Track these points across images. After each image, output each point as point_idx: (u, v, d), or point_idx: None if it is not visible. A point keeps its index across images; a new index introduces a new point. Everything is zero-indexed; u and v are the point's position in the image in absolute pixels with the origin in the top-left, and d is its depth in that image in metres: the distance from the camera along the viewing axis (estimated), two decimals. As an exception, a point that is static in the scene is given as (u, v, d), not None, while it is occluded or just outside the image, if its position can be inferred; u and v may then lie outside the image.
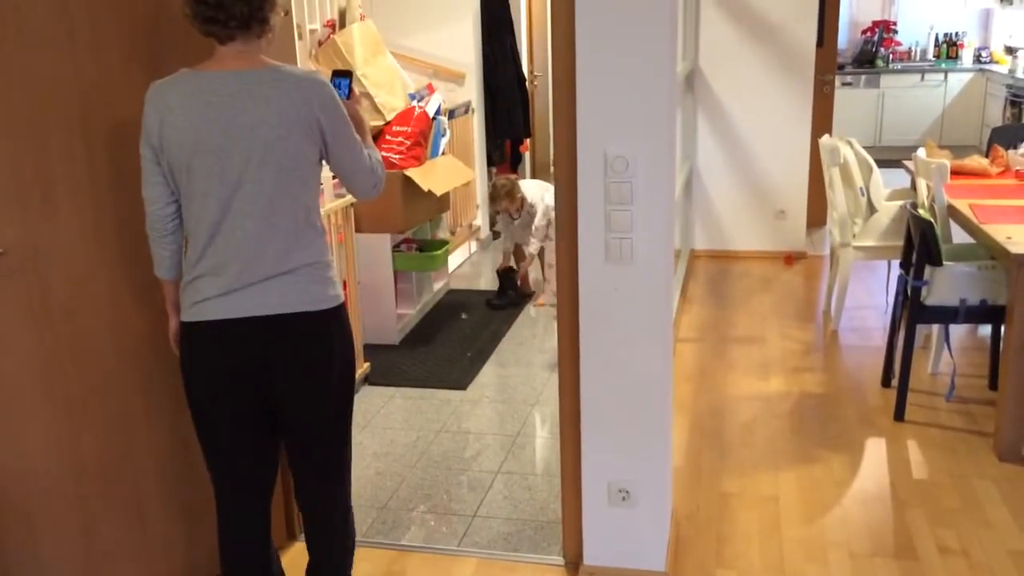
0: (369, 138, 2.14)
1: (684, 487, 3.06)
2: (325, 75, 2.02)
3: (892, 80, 8.88)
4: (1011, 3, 8.29)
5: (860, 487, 3.02)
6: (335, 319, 2.03)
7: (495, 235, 5.29)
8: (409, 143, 4.40)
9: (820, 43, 5.64)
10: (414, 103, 4.58)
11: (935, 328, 3.94)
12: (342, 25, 4.62)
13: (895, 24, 9.14)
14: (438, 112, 4.64)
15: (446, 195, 4.80)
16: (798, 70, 5.50)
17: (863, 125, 8.83)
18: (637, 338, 2.32)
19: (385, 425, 3.64)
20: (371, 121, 4.37)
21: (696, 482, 3.10)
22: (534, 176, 7.06)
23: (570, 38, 2.18)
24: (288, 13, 2.34)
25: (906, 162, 4.69)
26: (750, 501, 2.96)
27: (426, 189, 4.37)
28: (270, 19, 1.93)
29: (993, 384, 3.68)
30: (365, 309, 4.32)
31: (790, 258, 5.74)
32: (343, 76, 2.14)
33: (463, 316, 4.89)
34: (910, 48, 9.19)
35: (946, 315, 3.42)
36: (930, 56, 9.17)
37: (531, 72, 7.35)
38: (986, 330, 4.19)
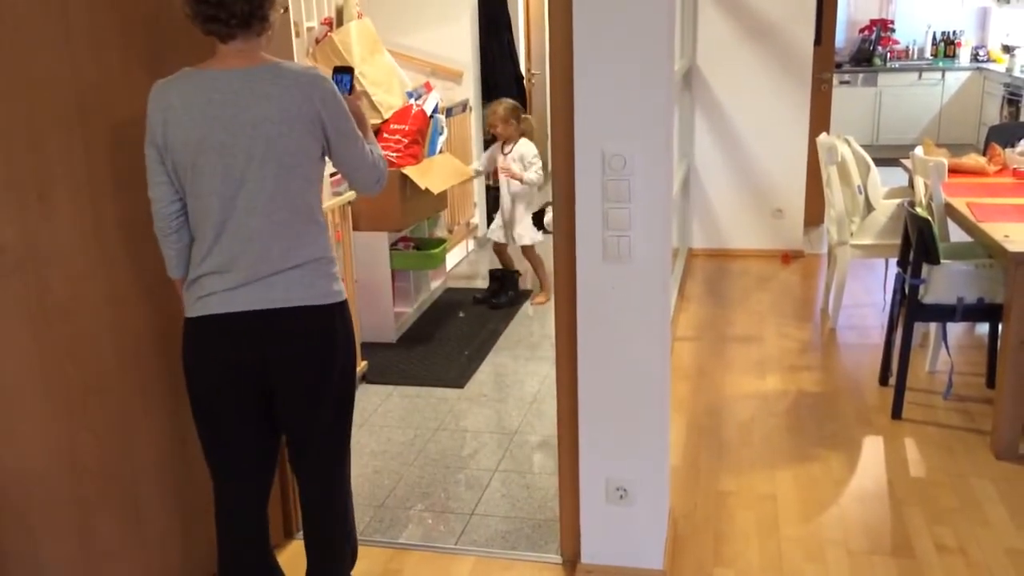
0: (371, 134, 2.14)
1: (682, 485, 3.06)
2: (324, 72, 2.02)
3: (890, 79, 8.88)
4: (1008, 2, 8.29)
5: (858, 485, 3.03)
6: (339, 314, 2.04)
7: (491, 221, 5.25)
8: (407, 141, 4.40)
9: (818, 42, 5.64)
10: (412, 101, 4.58)
11: (933, 326, 3.95)
12: (339, 23, 4.62)
13: (892, 23, 9.14)
14: (435, 110, 4.64)
15: (443, 193, 4.80)
16: (796, 69, 5.50)
17: (861, 123, 8.84)
18: (635, 336, 2.32)
19: (383, 423, 3.64)
20: (369, 119, 4.36)
21: (694, 480, 3.10)
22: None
23: (568, 36, 2.18)
24: (287, 11, 2.33)
25: (904, 160, 4.69)
26: (748, 500, 2.96)
27: (423, 187, 4.36)
28: (270, 16, 1.94)
29: (990, 382, 3.69)
30: (363, 307, 4.31)
31: (788, 256, 5.74)
32: (345, 72, 2.14)
33: (460, 314, 4.89)
34: (907, 47, 9.19)
35: (943, 313, 3.42)
36: (927, 55, 9.17)
37: (529, 70, 7.35)
38: (983, 328, 4.19)
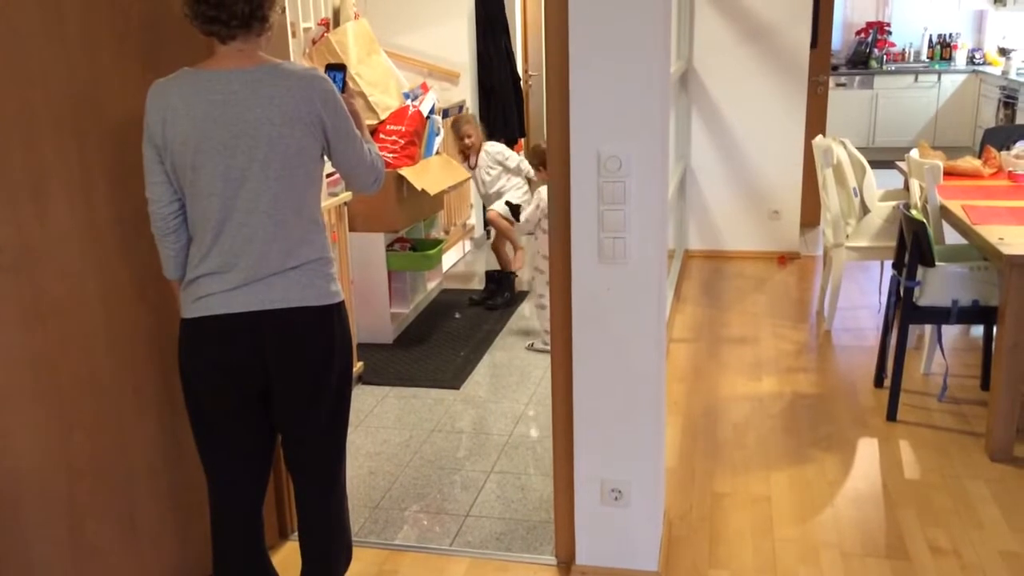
0: (367, 132, 2.14)
1: (677, 487, 3.06)
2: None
3: (886, 81, 8.90)
4: (1004, 5, 8.31)
5: (852, 487, 3.03)
6: (337, 315, 2.04)
7: (488, 234, 5.32)
8: (403, 142, 4.40)
9: (814, 44, 5.66)
10: (408, 102, 4.58)
11: (927, 328, 3.95)
12: (336, 24, 4.61)
13: (889, 25, 9.16)
14: (432, 111, 4.63)
15: (440, 194, 4.79)
16: (792, 71, 5.51)
17: (857, 126, 8.86)
18: (630, 338, 2.32)
19: (378, 424, 3.64)
20: (366, 120, 4.36)
21: (689, 482, 3.10)
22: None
23: (564, 38, 2.18)
24: (284, 11, 2.33)
25: (899, 163, 4.70)
26: (743, 501, 2.97)
27: (420, 188, 4.36)
28: (270, 17, 1.94)
29: (985, 384, 3.69)
30: (359, 308, 4.31)
31: (783, 258, 5.75)
32: (337, 70, 2.14)
33: (457, 316, 4.88)
34: (904, 49, 9.21)
35: (938, 315, 3.43)
36: (924, 57, 9.19)
37: (525, 72, 7.35)
38: (978, 331, 4.20)
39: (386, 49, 4.86)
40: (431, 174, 4.53)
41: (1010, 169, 4.24)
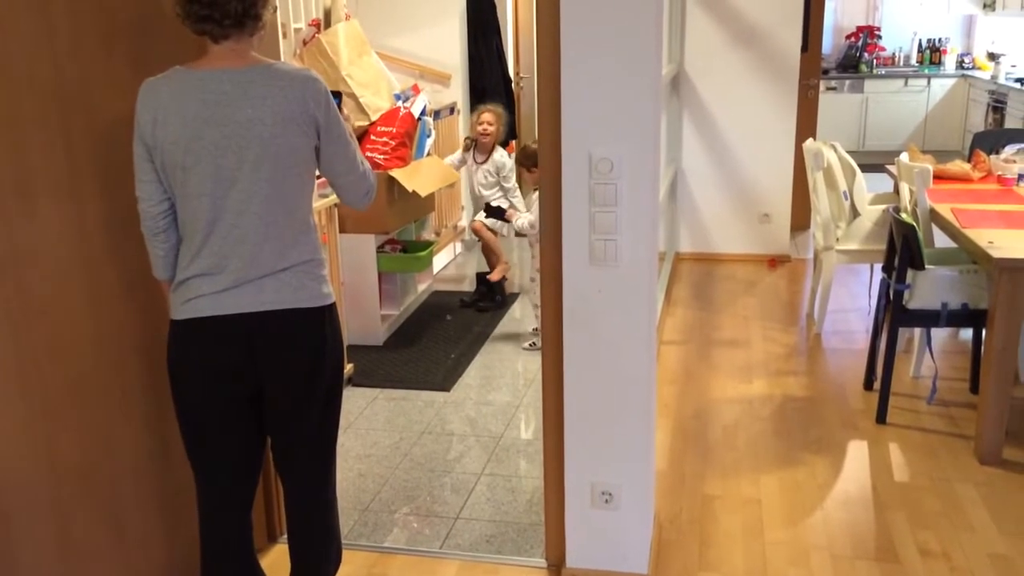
0: (360, 153, 2.13)
1: (667, 490, 3.06)
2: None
3: (876, 85, 8.94)
4: (993, 10, 8.36)
5: (842, 490, 3.03)
6: (328, 317, 2.03)
7: (477, 237, 5.29)
8: (394, 144, 4.39)
9: (805, 48, 5.67)
10: (399, 104, 4.57)
11: (917, 332, 3.96)
12: (327, 24, 4.60)
13: (879, 30, 9.20)
14: (423, 113, 4.63)
15: (431, 196, 4.79)
16: (783, 75, 5.52)
17: (847, 130, 8.89)
18: (621, 340, 2.32)
19: (368, 426, 3.63)
20: (356, 121, 4.36)
21: (679, 485, 3.10)
22: (519, 178, 7.06)
23: (555, 40, 2.18)
24: (275, 11, 2.32)
25: (889, 167, 4.72)
26: (733, 504, 2.97)
27: (411, 190, 4.36)
28: (263, 16, 1.93)
29: (974, 387, 3.71)
30: (349, 310, 4.30)
31: (774, 261, 5.76)
32: (332, 96, 2.13)
33: (447, 318, 4.88)
34: (894, 54, 9.26)
35: (928, 319, 3.44)
36: (913, 62, 9.24)
37: (517, 74, 7.35)
38: (967, 334, 4.22)
39: (377, 50, 4.85)
40: (422, 176, 4.53)
41: (999, 173, 4.26)
